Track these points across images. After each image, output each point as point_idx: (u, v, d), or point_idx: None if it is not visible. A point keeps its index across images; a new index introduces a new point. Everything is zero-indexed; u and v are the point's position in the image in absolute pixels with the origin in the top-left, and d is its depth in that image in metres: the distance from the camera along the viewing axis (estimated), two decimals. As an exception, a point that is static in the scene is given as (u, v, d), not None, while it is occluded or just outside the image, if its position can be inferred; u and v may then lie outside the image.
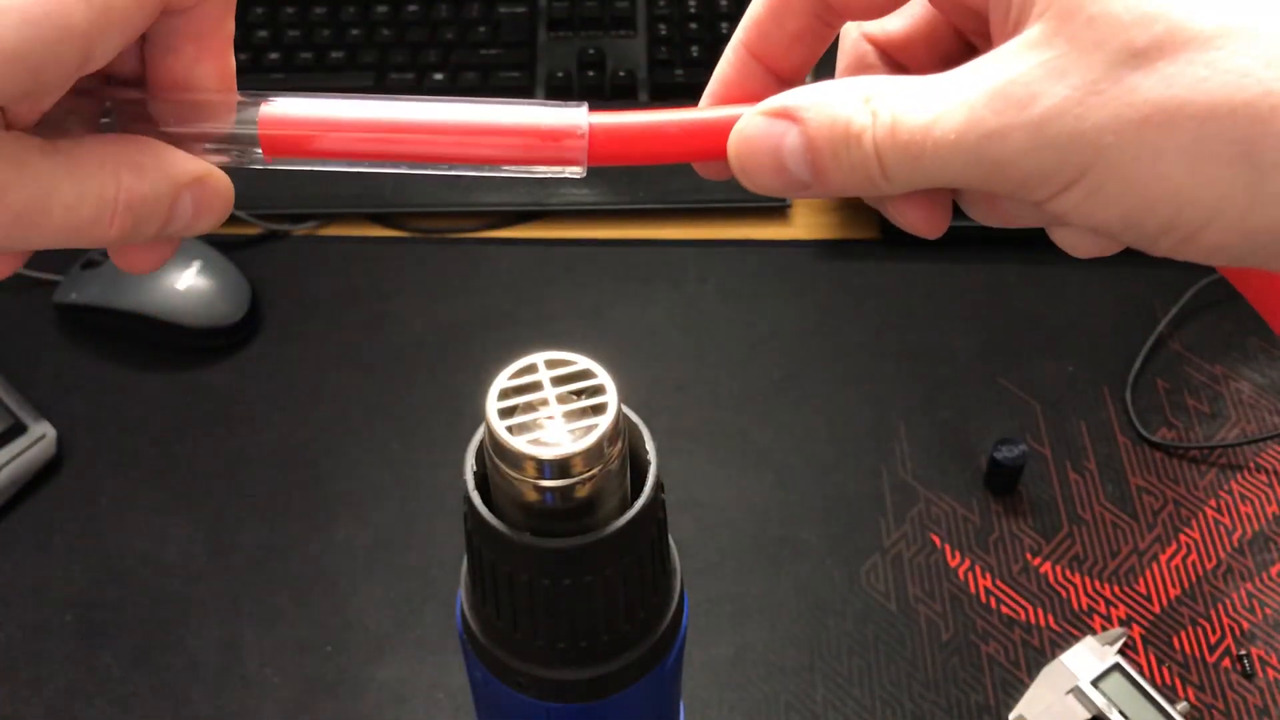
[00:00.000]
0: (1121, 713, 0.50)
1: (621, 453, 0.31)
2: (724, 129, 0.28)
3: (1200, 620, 0.56)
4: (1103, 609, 0.57)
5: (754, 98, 0.28)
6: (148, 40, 0.28)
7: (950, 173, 0.25)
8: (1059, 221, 0.26)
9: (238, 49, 0.30)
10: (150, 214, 0.27)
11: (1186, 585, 0.57)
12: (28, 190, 0.25)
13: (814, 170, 0.27)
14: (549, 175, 0.29)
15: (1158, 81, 0.23)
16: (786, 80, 0.30)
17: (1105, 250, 0.28)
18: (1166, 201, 0.24)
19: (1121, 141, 0.23)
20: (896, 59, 0.30)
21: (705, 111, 0.29)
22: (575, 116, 0.28)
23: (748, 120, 0.27)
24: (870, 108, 0.26)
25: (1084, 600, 0.57)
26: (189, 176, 0.27)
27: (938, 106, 0.25)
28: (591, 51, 0.80)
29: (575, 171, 0.29)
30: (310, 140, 0.28)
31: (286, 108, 0.28)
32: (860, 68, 0.30)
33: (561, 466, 0.30)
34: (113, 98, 0.28)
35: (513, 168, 0.29)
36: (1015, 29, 0.25)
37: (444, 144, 0.28)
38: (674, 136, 0.28)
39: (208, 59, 0.28)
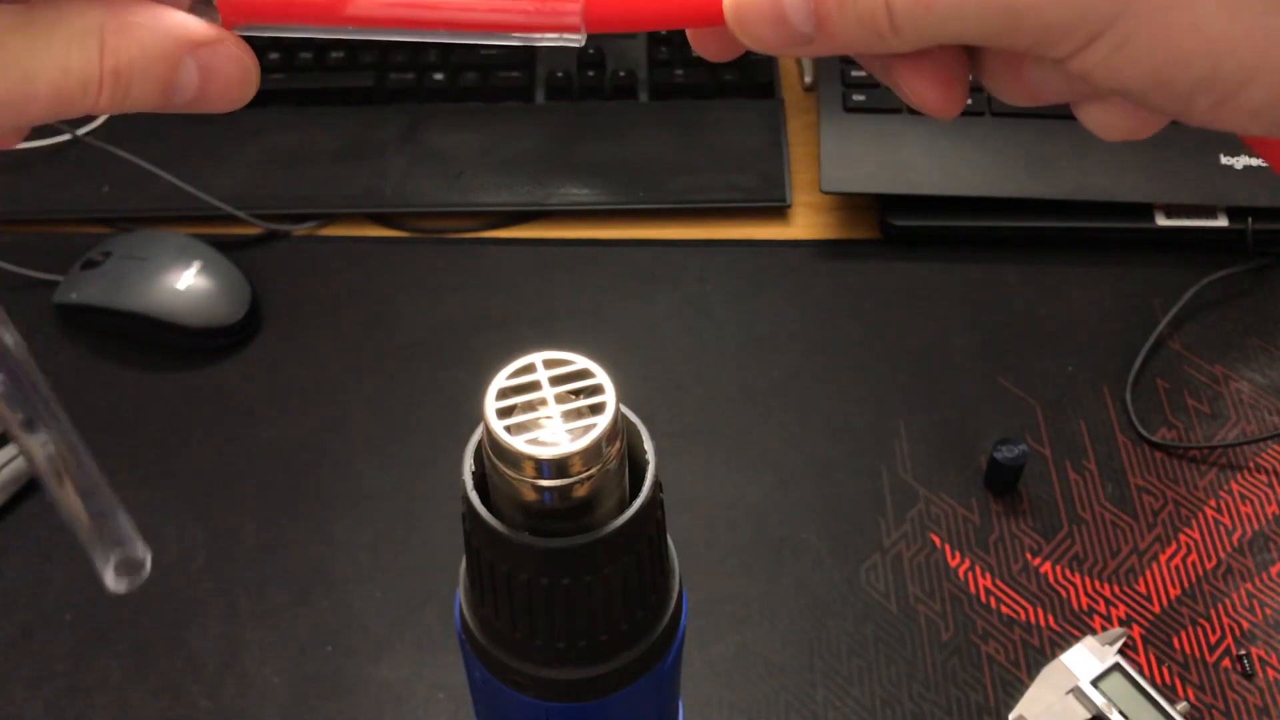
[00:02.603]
0: (1121, 713, 0.50)
1: (620, 452, 0.31)
2: None
3: (1200, 620, 0.56)
4: (1103, 609, 0.57)
5: None
6: None
7: (965, 24, 0.23)
8: (1085, 84, 0.24)
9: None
10: (144, 78, 0.25)
11: (1186, 585, 0.57)
12: (7, 73, 0.23)
13: (818, 20, 0.25)
14: (549, 44, 0.27)
15: None
16: None
17: (1139, 131, 0.25)
18: (1202, 55, 0.22)
19: None
20: None
21: None
22: None
23: None
24: None
25: (1084, 600, 0.57)
26: (189, 39, 0.25)
27: None
28: (591, 51, 0.80)
29: (575, 39, 0.27)
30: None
31: None
32: None
33: (560, 466, 0.30)
34: None
35: (507, 35, 0.26)
36: None
37: (434, 6, 0.26)
38: None
39: None
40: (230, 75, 0.26)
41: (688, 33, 0.28)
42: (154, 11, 0.25)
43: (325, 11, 0.26)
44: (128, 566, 0.33)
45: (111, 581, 0.33)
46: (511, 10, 0.26)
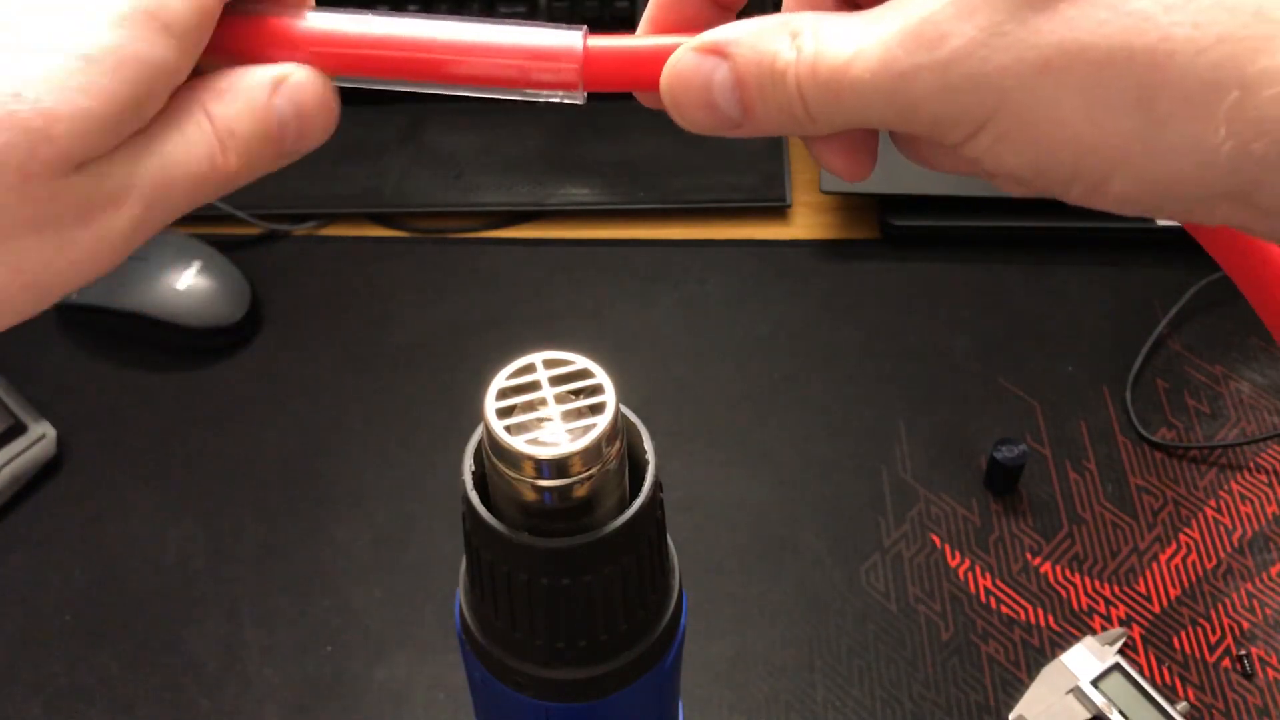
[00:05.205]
0: (1121, 713, 0.50)
1: (620, 452, 0.31)
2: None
3: (1200, 620, 0.56)
4: (1103, 609, 0.57)
5: (692, 27, 0.27)
6: None
7: (869, 112, 0.25)
8: (975, 167, 0.26)
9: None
10: (252, 130, 0.27)
11: (1186, 585, 0.57)
12: (147, 172, 0.26)
13: (743, 108, 0.26)
14: (550, 100, 0.28)
15: (1059, 24, 0.23)
16: (725, 6, 0.29)
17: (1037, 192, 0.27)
18: (1067, 149, 0.23)
19: (1022, 86, 0.23)
20: None
21: (673, 38, 0.27)
22: (570, 39, 0.27)
23: (680, 55, 0.26)
24: (796, 44, 0.25)
25: (1084, 600, 0.57)
26: (270, 79, 0.27)
27: (857, 43, 0.24)
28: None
29: (575, 97, 0.28)
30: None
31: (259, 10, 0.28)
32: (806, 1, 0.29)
33: (560, 466, 0.30)
34: None
35: (510, 90, 0.28)
36: None
37: (438, 61, 0.27)
38: (661, 62, 0.27)
39: None
40: (314, 100, 0.28)
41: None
42: (234, 74, 0.27)
43: (334, 61, 0.28)
44: None
45: None
46: (514, 68, 0.27)
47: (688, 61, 0.26)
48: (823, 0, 0.28)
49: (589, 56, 0.27)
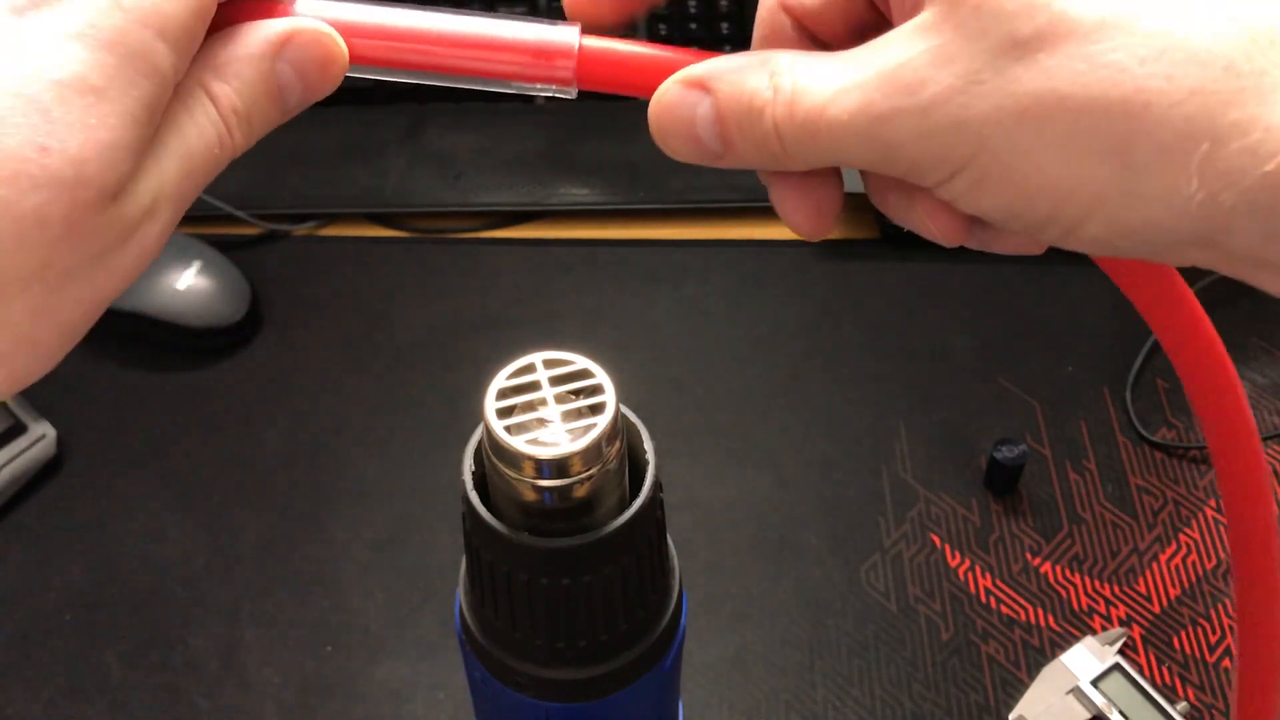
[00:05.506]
0: (1121, 713, 0.50)
1: (620, 452, 0.31)
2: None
3: (1200, 620, 0.56)
4: (1103, 609, 0.57)
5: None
6: None
7: (846, 153, 0.25)
8: (955, 208, 0.27)
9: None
10: (256, 102, 0.27)
11: (1186, 585, 0.57)
12: (169, 161, 0.26)
13: (723, 142, 0.27)
14: (542, 94, 0.28)
15: (1038, 74, 0.23)
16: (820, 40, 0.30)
17: (1023, 248, 0.28)
18: (1044, 195, 0.24)
19: (1001, 132, 0.24)
20: (812, 29, 0.29)
21: (683, 53, 0.28)
22: (567, 35, 0.28)
23: (666, 88, 0.27)
24: (774, 83, 0.26)
25: (1084, 600, 0.57)
26: (270, 47, 0.27)
27: (835, 85, 0.25)
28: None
29: (567, 92, 0.28)
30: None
31: None
32: (775, 38, 0.29)
33: (560, 466, 0.30)
34: None
35: (505, 83, 0.28)
36: (913, 10, 0.25)
37: (435, 53, 0.28)
38: (655, 70, 0.28)
39: None
40: (317, 56, 0.27)
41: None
42: (233, 41, 0.27)
43: None
44: None
45: None
46: (506, 60, 0.28)
47: (673, 94, 0.27)
48: (792, 38, 0.29)
49: (583, 56, 0.28)
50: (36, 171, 0.23)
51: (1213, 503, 0.60)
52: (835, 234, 0.73)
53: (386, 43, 0.28)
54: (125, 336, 0.67)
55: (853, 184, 0.29)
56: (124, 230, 0.25)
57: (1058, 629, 0.56)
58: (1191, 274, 0.28)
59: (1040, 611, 0.57)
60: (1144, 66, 0.23)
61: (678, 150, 0.28)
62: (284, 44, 0.27)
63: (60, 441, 0.62)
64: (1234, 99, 0.23)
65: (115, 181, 0.24)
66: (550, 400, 0.31)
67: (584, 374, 0.31)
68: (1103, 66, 0.23)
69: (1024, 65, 0.23)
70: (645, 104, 0.28)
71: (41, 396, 0.63)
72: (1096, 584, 0.57)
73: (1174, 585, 0.57)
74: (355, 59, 0.28)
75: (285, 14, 0.27)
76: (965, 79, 0.24)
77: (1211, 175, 0.23)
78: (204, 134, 0.26)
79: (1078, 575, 0.58)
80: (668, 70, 0.28)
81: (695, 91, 0.27)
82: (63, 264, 0.24)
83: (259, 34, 0.27)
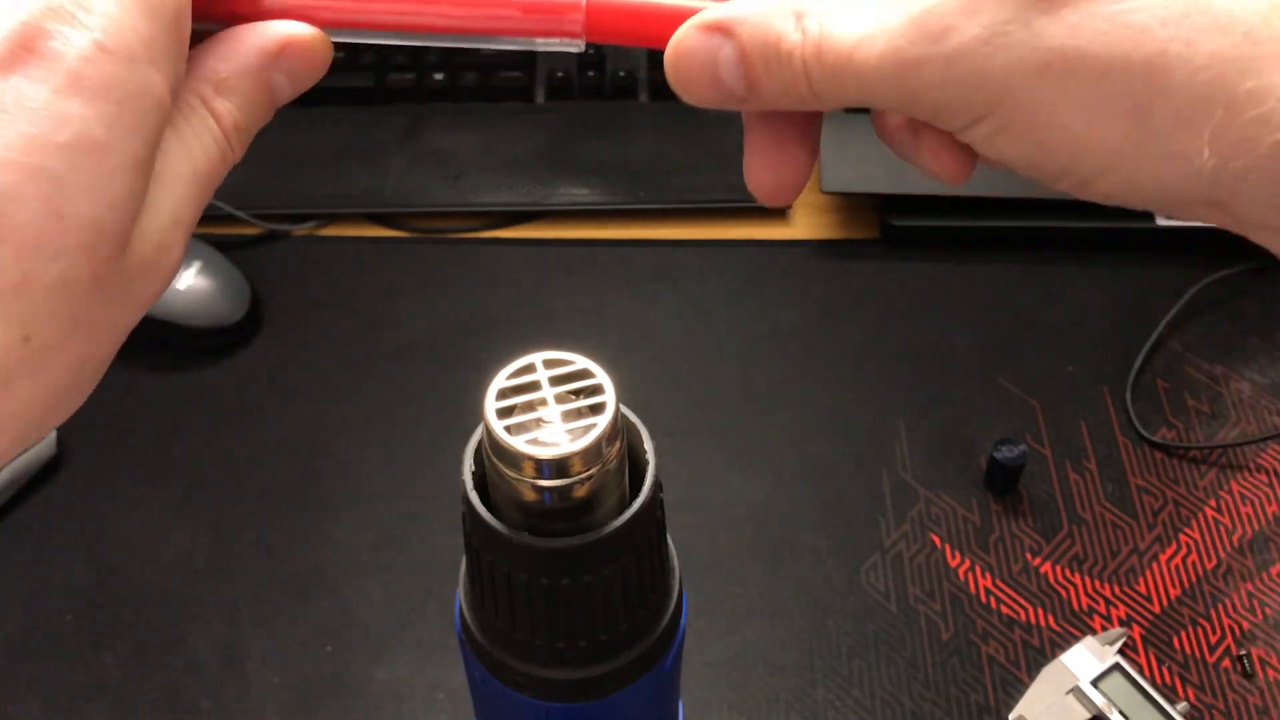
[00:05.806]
0: (1121, 713, 0.50)
1: (620, 452, 0.31)
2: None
3: (1200, 620, 0.56)
4: (1103, 609, 0.57)
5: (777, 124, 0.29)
6: None
7: (871, 96, 0.26)
8: (974, 152, 0.27)
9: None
10: (253, 114, 0.27)
11: (1186, 585, 0.57)
12: (176, 180, 0.26)
13: (748, 83, 0.27)
14: (549, 49, 0.28)
15: (1061, 29, 0.24)
16: None
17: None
18: (1063, 149, 0.25)
19: (1024, 84, 0.24)
20: None
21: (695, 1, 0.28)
22: None
23: (684, 33, 0.27)
24: (801, 25, 0.26)
25: (1084, 600, 0.57)
26: (265, 60, 0.27)
27: (862, 29, 0.25)
28: (591, 51, 0.80)
29: (574, 44, 0.28)
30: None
31: None
32: None
33: (560, 466, 0.30)
34: None
35: (510, 40, 0.28)
36: None
37: (436, 10, 0.27)
38: (665, 18, 0.28)
39: None
40: (309, 61, 0.27)
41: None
42: (230, 52, 0.27)
43: (330, 14, 0.27)
44: None
45: None
46: (514, 15, 0.27)
47: (693, 39, 0.27)
48: None
49: (592, 5, 0.28)
50: (56, 240, 0.23)
51: (1213, 503, 0.60)
52: (835, 234, 0.73)
53: (391, 3, 0.27)
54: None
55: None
56: (145, 266, 0.25)
57: (1058, 629, 0.56)
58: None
59: (1040, 611, 0.57)
60: (1166, 29, 0.23)
61: (697, 95, 0.28)
62: (280, 54, 0.27)
63: (60, 441, 0.62)
64: (1250, 66, 0.23)
65: (130, 227, 0.24)
66: (550, 400, 0.31)
67: (584, 374, 0.31)
68: (1124, 26, 0.23)
69: (1049, 19, 0.24)
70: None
71: (41, 396, 0.63)
72: (1096, 584, 0.57)
73: (1174, 585, 0.57)
74: (360, 23, 0.27)
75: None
76: (991, 29, 0.24)
77: (1224, 143, 0.23)
78: (209, 153, 0.26)
79: (1078, 575, 0.58)
80: (680, 18, 0.28)
81: (717, 36, 0.27)
82: (92, 316, 0.24)
83: (255, 43, 0.27)
